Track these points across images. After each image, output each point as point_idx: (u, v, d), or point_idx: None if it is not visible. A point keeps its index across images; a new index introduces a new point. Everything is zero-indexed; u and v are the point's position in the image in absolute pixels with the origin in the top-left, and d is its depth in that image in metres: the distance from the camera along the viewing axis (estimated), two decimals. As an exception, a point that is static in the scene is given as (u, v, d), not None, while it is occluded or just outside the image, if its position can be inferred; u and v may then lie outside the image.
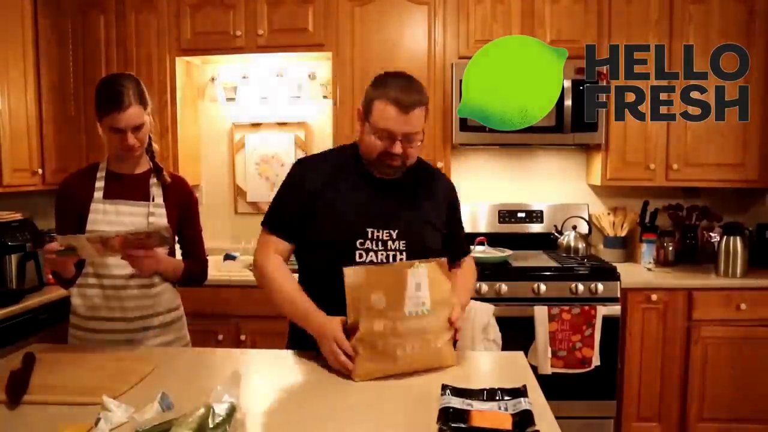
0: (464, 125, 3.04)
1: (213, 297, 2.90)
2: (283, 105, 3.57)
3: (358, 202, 1.64)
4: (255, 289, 2.92)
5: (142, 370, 1.52)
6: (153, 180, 1.89)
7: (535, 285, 2.79)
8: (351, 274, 1.47)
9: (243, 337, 2.93)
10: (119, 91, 1.72)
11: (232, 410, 1.17)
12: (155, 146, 1.92)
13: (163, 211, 1.86)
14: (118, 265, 1.78)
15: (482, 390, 1.33)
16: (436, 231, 1.72)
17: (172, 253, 1.93)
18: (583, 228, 3.26)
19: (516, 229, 3.39)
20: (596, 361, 2.73)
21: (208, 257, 2.04)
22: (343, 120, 3.19)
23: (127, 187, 1.85)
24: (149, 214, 1.83)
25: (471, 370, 1.64)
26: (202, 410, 1.14)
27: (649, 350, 2.87)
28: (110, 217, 1.80)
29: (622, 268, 2.95)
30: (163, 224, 1.76)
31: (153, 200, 1.86)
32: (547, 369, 2.70)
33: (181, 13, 3.19)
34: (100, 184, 1.84)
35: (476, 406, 1.25)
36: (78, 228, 1.78)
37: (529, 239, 3.37)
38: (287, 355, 1.71)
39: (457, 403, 1.25)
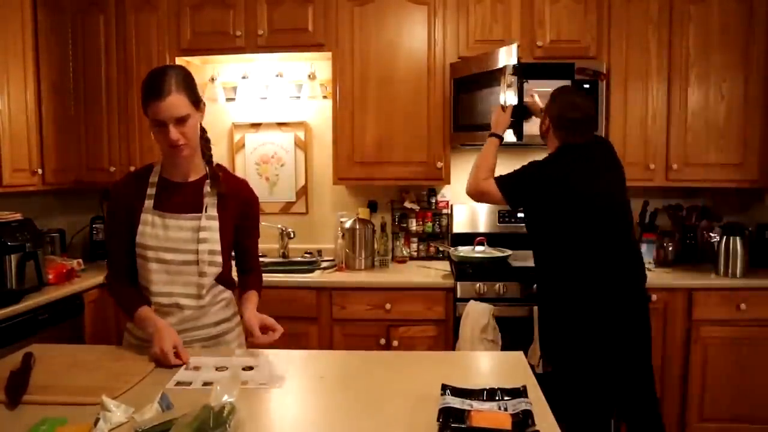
0: (464, 125, 3.04)
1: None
2: (283, 105, 3.57)
3: None
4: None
5: (142, 370, 1.52)
6: (207, 188, 1.74)
7: (535, 285, 2.79)
8: None
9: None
10: (161, 79, 1.58)
11: (232, 410, 1.17)
12: (211, 150, 1.81)
13: (216, 223, 1.72)
14: (162, 284, 1.70)
15: (482, 390, 1.33)
16: None
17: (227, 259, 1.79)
18: (583, 228, 3.25)
19: (516, 229, 3.39)
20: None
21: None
22: (343, 120, 3.19)
23: (179, 197, 1.72)
24: (200, 229, 1.69)
25: (471, 370, 1.64)
26: (202, 410, 1.14)
27: (649, 350, 2.87)
28: (158, 230, 1.69)
29: (622, 268, 2.94)
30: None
31: (206, 211, 1.72)
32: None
33: (181, 13, 3.20)
34: (151, 191, 1.72)
35: (476, 406, 1.25)
36: (129, 236, 1.70)
37: (529, 239, 3.36)
38: (287, 355, 1.71)
39: (456, 403, 1.25)
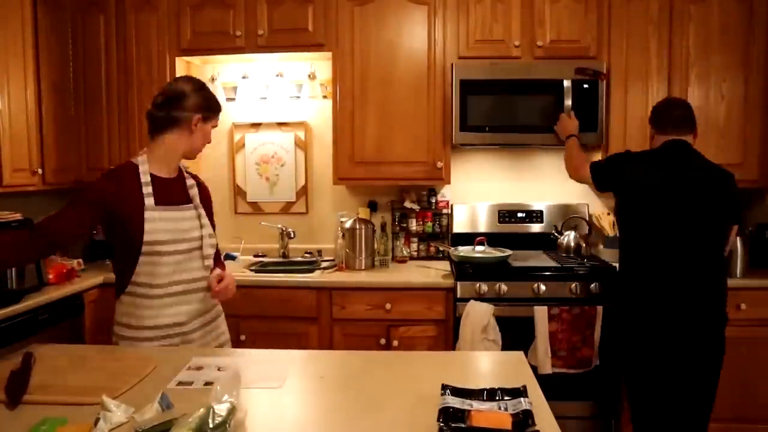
0: (464, 125, 3.04)
1: (213, 297, 2.90)
2: (283, 105, 3.57)
3: None
4: (255, 289, 2.95)
5: (142, 370, 1.52)
6: (189, 182, 1.93)
7: (535, 285, 2.79)
8: None
9: (243, 337, 2.92)
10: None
11: (232, 410, 1.17)
12: None
13: (204, 211, 1.92)
14: (170, 275, 1.80)
15: (482, 390, 1.33)
16: None
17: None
18: (583, 228, 3.26)
19: (516, 229, 3.39)
20: (596, 361, 2.73)
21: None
22: (343, 120, 3.19)
23: (172, 191, 1.86)
24: (199, 216, 1.89)
25: (471, 370, 1.64)
26: (202, 410, 1.14)
27: (649, 350, 2.87)
28: (167, 224, 1.79)
29: (622, 268, 2.95)
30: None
31: (194, 201, 1.91)
32: (547, 369, 2.69)
33: (181, 13, 3.20)
34: (148, 189, 1.78)
35: (476, 405, 1.25)
36: (90, 224, 1.75)
37: (529, 239, 3.37)
38: (287, 354, 1.71)
39: (456, 403, 1.25)
